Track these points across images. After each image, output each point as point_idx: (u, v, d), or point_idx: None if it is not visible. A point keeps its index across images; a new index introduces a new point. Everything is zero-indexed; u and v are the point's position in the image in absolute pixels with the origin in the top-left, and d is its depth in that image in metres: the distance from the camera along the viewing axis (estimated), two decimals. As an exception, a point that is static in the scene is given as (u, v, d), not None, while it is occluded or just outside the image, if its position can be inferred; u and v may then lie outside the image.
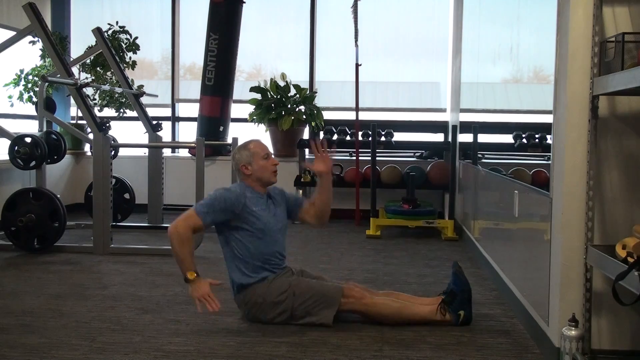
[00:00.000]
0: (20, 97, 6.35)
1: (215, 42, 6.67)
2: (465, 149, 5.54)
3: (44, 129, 4.97)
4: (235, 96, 6.97)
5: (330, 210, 3.21)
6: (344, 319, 3.00)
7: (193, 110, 7.24)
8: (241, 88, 7.17)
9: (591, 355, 2.40)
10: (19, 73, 6.36)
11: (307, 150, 6.87)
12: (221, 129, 6.81)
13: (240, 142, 3.25)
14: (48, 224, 4.60)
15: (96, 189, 4.70)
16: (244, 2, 6.80)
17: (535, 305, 2.85)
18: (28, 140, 4.70)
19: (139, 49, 6.67)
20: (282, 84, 6.69)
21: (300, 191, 6.30)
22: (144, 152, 6.34)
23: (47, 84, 5.35)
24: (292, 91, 6.69)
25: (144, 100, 6.03)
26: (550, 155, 2.65)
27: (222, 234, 3.07)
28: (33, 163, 4.71)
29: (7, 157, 4.72)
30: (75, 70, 6.24)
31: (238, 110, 7.08)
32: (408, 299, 3.11)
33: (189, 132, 7.36)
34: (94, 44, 6.03)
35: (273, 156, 3.20)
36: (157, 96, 6.46)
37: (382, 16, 7.23)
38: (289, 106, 6.59)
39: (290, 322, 2.98)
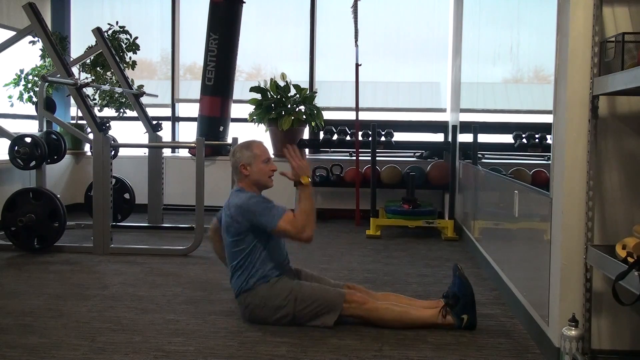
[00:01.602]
0: (20, 97, 6.35)
1: (215, 42, 6.67)
2: (465, 149, 5.54)
3: (44, 129, 4.97)
4: (235, 96, 6.97)
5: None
6: (344, 320, 3.00)
7: (193, 110, 7.24)
8: (241, 88, 7.17)
9: (591, 355, 2.40)
10: (19, 73, 6.36)
11: (307, 151, 6.88)
12: (221, 129, 6.81)
13: (240, 142, 3.24)
14: (48, 224, 4.60)
15: (96, 189, 4.70)
16: (244, 2, 6.80)
17: (535, 305, 2.85)
18: (28, 140, 4.70)
19: (139, 49, 6.67)
20: (282, 84, 6.69)
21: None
22: (144, 152, 6.34)
23: (47, 84, 5.35)
24: (292, 91, 6.69)
25: (144, 100, 6.03)
26: (550, 155, 2.65)
27: (239, 238, 3.01)
28: (33, 163, 4.71)
29: (7, 157, 4.72)
30: (75, 70, 6.24)
31: (238, 110, 7.08)
32: (408, 302, 3.11)
33: (189, 132, 7.36)
34: (94, 44, 6.03)
35: (273, 159, 3.20)
36: (157, 96, 6.46)
37: (382, 16, 7.23)
38: (289, 106, 6.59)
39: (290, 324, 2.98)
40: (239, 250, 3.03)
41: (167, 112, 7.40)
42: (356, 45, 6.24)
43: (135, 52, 6.66)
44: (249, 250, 3.01)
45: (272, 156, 3.34)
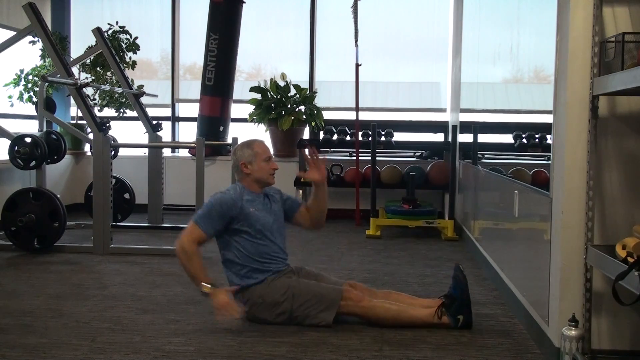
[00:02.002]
0: (20, 97, 6.35)
1: (215, 42, 6.67)
2: (465, 149, 5.55)
3: (44, 129, 4.97)
4: (235, 96, 6.97)
5: (325, 217, 3.23)
6: (344, 320, 3.00)
7: (193, 110, 7.24)
8: (241, 88, 7.17)
9: (591, 355, 2.40)
10: (19, 73, 6.36)
11: (307, 151, 6.88)
12: (221, 129, 6.81)
13: (240, 142, 3.25)
14: (48, 224, 4.60)
15: (96, 189, 4.70)
16: (244, 2, 6.80)
17: (535, 305, 2.85)
18: (28, 140, 4.70)
19: (139, 49, 6.67)
20: (282, 84, 6.69)
21: (300, 191, 6.30)
22: (144, 152, 6.34)
23: (47, 84, 5.35)
24: (292, 91, 6.69)
25: (144, 100, 6.03)
26: (550, 155, 2.65)
27: (222, 237, 3.06)
28: (33, 163, 4.71)
29: (7, 157, 4.72)
30: (75, 70, 6.24)
31: (238, 110, 7.08)
32: (408, 300, 3.11)
33: (189, 132, 7.36)
34: (94, 44, 6.03)
35: (273, 158, 3.21)
36: (157, 96, 6.46)
37: (382, 16, 7.23)
38: (289, 106, 6.59)
39: (289, 322, 2.98)
40: (223, 249, 3.07)
41: (167, 112, 7.40)
42: (356, 45, 6.24)
43: (135, 52, 6.66)
44: (231, 248, 3.03)
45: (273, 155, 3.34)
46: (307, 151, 3.19)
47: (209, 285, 2.86)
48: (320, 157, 3.15)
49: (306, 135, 6.88)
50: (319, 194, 3.17)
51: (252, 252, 3.02)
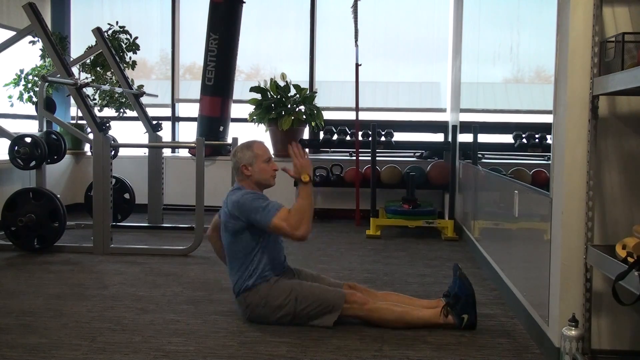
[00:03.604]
0: (20, 97, 6.35)
1: (215, 42, 6.67)
2: (465, 149, 5.55)
3: (44, 129, 4.97)
4: (235, 96, 6.97)
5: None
6: (344, 320, 3.00)
7: (193, 110, 7.24)
8: (241, 88, 7.17)
9: (591, 355, 2.40)
10: (19, 73, 6.36)
11: (307, 151, 6.88)
12: (221, 129, 6.81)
13: (240, 142, 3.24)
14: (48, 224, 4.60)
15: (96, 189, 4.70)
16: (244, 2, 6.80)
17: (535, 305, 2.85)
18: (28, 140, 4.70)
19: (139, 49, 6.67)
20: (282, 84, 6.69)
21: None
22: (144, 152, 6.34)
23: (47, 84, 5.35)
24: (292, 91, 6.69)
25: (144, 100, 6.03)
26: (550, 155, 2.65)
27: (236, 235, 3.02)
28: (33, 163, 4.71)
29: (7, 157, 4.72)
30: (75, 70, 6.24)
31: (238, 110, 7.08)
32: (408, 301, 3.11)
33: (189, 132, 7.36)
34: (94, 44, 6.03)
35: (273, 158, 3.20)
36: (157, 96, 6.46)
37: (382, 16, 7.23)
38: (289, 106, 6.60)
39: (291, 324, 2.98)
40: (237, 248, 3.03)
41: (167, 112, 7.40)
42: (356, 45, 6.24)
43: (135, 52, 6.66)
44: (246, 249, 3.01)
45: (272, 156, 3.33)
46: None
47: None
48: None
49: (306, 135, 6.88)
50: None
51: (267, 252, 3.02)
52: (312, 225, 2.98)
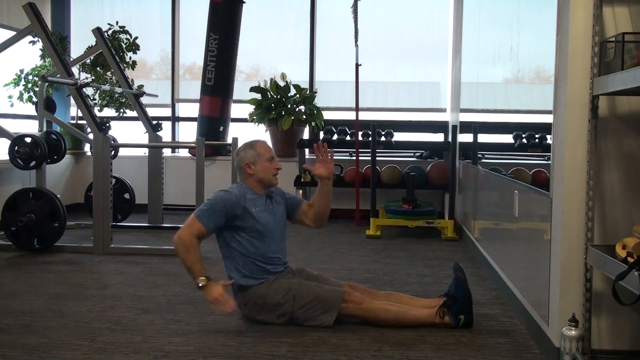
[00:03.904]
0: (20, 97, 6.35)
1: (215, 42, 6.67)
2: (465, 149, 5.54)
3: (44, 129, 4.97)
4: (235, 96, 6.97)
5: (328, 214, 3.22)
6: (344, 320, 3.00)
7: (193, 110, 7.24)
8: (241, 88, 7.17)
9: (591, 355, 2.40)
10: (19, 73, 6.36)
11: (307, 150, 6.88)
12: (221, 129, 6.81)
13: (240, 142, 3.25)
14: (48, 224, 4.60)
15: (96, 189, 4.70)
16: (244, 2, 6.80)
17: (535, 305, 2.85)
18: (28, 140, 4.70)
19: (139, 49, 6.67)
20: (282, 84, 6.69)
21: (300, 191, 6.30)
22: (144, 152, 6.34)
23: (47, 84, 5.35)
24: (292, 91, 6.69)
25: (144, 100, 6.03)
26: (550, 155, 2.65)
27: (222, 235, 3.06)
28: (33, 163, 4.71)
29: (7, 157, 4.71)
30: (75, 70, 6.23)
31: (238, 110, 7.08)
32: (409, 301, 3.11)
33: (189, 132, 7.36)
34: (94, 44, 6.03)
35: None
36: (157, 96, 6.46)
37: (382, 16, 7.23)
38: (289, 106, 6.59)
39: (289, 323, 2.98)
40: (225, 248, 3.07)
41: (167, 112, 7.40)
42: (356, 45, 6.24)
43: (135, 52, 6.66)
44: (232, 248, 3.03)
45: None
46: (315, 148, 3.17)
47: (204, 278, 2.85)
48: (328, 153, 3.15)
49: (306, 135, 6.88)
50: (324, 189, 3.17)
51: (252, 252, 3.02)
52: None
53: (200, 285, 2.86)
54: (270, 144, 6.64)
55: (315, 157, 3.18)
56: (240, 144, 3.26)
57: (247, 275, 3.02)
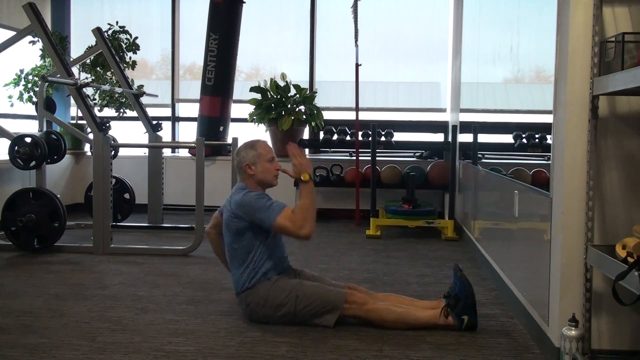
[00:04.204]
0: (20, 97, 6.35)
1: (215, 42, 6.67)
2: (465, 149, 5.54)
3: (44, 129, 4.97)
4: (235, 96, 6.97)
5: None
6: (345, 320, 3.00)
7: (193, 110, 7.24)
8: (241, 88, 7.17)
9: (591, 355, 2.40)
10: (19, 73, 6.36)
11: (307, 151, 6.88)
12: (221, 129, 6.81)
13: (240, 142, 3.24)
14: (48, 224, 4.60)
15: (96, 189, 4.70)
16: (244, 2, 6.80)
17: (535, 305, 2.85)
18: (28, 140, 4.70)
19: (139, 49, 6.67)
20: (282, 84, 6.69)
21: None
22: (144, 152, 6.34)
23: (47, 84, 5.35)
24: (292, 91, 6.69)
25: (144, 100, 6.03)
26: (550, 155, 2.65)
27: (239, 234, 3.02)
28: (33, 163, 4.71)
29: (7, 157, 4.71)
30: (75, 70, 6.24)
31: (238, 110, 7.09)
32: (409, 302, 3.10)
33: (189, 132, 7.36)
34: (94, 44, 6.03)
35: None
36: (157, 96, 6.46)
37: (382, 16, 7.23)
38: (289, 106, 6.60)
39: (291, 323, 2.98)
40: (238, 247, 3.04)
41: (167, 112, 7.41)
42: (356, 45, 6.24)
43: (135, 52, 6.66)
44: (248, 248, 3.01)
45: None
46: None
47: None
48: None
49: (306, 135, 6.89)
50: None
51: (269, 253, 3.03)
52: (315, 224, 2.97)
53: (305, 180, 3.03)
54: (270, 144, 6.67)
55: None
56: (240, 144, 3.26)
57: (257, 275, 3.01)
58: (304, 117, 6.55)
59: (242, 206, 2.99)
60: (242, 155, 3.11)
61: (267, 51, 7.43)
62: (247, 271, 3.02)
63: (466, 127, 5.37)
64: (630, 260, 1.92)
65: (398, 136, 6.63)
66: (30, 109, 6.32)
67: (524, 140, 4.10)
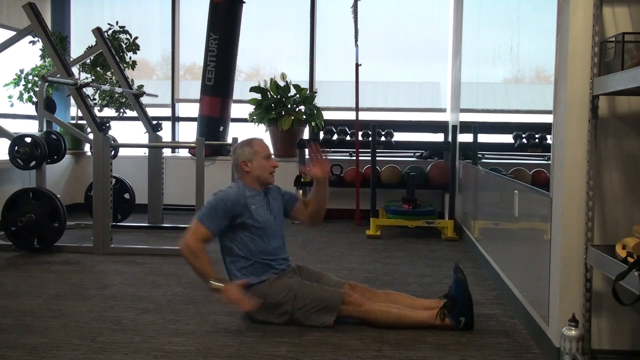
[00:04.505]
0: (20, 97, 6.35)
1: (215, 42, 6.67)
2: (465, 149, 5.55)
3: (44, 129, 4.97)
4: (235, 96, 6.97)
5: (323, 214, 3.23)
6: (344, 320, 3.00)
7: (193, 110, 7.24)
8: (241, 88, 7.17)
9: (591, 355, 2.40)
10: (19, 73, 6.36)
11: (307, 150, 6.88)
12: (221, 129, 6.81)
13: (240, 141, 3.24)
14: (48, 224, 4.60)
15: (96, 189, 4.70)
16: (244, 2, 6.80)
17: (535, 305, 2.85)
18: (28, 140, 4.70)
19: (139, 49, 6.67)
20: (282, 84, 6.69)
21: (300, 191, 6.30)
22: (144, 152, 6.34)
23: (47, 84, 5.35)
24: (292, 91, 6.69)
25: (144, 100, 6.03)
26: (550, 155, 2.65)
27: (223, 236, 3.06)
28: (33, 163, 4.71)
29: (7, 157, 4.71)
30: (75, 70, 6.23)
31: (238, 110, 7.09)
32: (409, 301, 3.10)
33: (189, 132, 7.36)
34: (94, 44, 6.03)
35: (273, 157, 3.20)
36: (157, 96, 6.46)
37: (382, 16, 7.23)
38: (289, 106, 6.60)
39: (289, 323, 2.98)
40: (222, 243, 3.08)
41: (167, 112, 7.41)
42: (356, 45, 6.24)
43: (135, 52, 6.66)
44: (230, 243, 3.04)
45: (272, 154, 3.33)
46: (308, 149, 3.18)
47: (217, 281, 2.86)
48: (322, 154, 3.15)
49: (306, 135, 6.88)
50: (320, 190, 3.17)
51: (254, 249, 3.02)
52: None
53: (214, 288, 2.86)
54: (270, 143, 6.68)
55: (309, 157, 3.18)
56: (242, 140, 3.26)
57: (249, 273, 3.02)
58: (304, 117, 6.55)
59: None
60: (238, 153, 3.12)
61: (267, 51, 7.43)
62: (243, 272, 3.02)
63: (466, 127, 5.37)
64: (630, 260, 1.92)
65: (398, 136, 6.63)
66: (30, 109, 6.32)
67: (524, 140, 4.10)
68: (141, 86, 6.34)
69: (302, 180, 6.33)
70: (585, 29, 2.34)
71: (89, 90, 6.33)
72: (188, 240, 2.91)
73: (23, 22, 5.26)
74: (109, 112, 6.78)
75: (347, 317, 2.99)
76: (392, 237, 5.56)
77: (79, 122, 6.62)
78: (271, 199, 3.16)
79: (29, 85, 6.36)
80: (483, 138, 4.94)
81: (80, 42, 7.04)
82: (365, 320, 2.98)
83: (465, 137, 5.50)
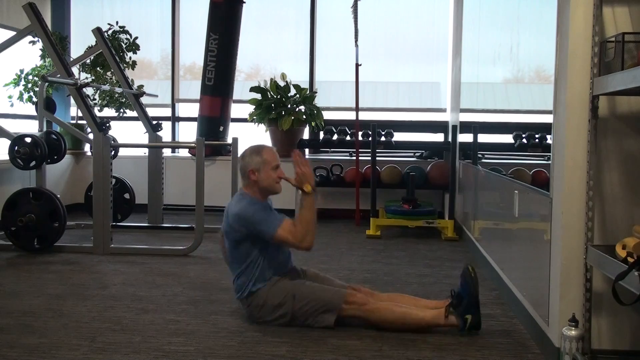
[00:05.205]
0: (20, 97, 6.35)
1: (215, 42, 6.67)
2: (465, 149, 5.55)
3: (44, 129, 4.97)
4: (235, 96, 6.97)
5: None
6: (346, 321, 2.99)
7: (193, 110, 7.24)
8: (241, 88, 7.17)
9: (591, 355, 2.40)
10: (19, 73, 6.36)
11: (307, 151, 6.88)
12: (221, 129, 6.81)
13: (240, 142, 3.24)
14: (48, 224, 4.60)
15: (96, 189, 4.70)
16: (244, 2, 6.80)
17: (535, 305, 2.85)
18: (28, 140, 4.70)
19: (139, 49, 6.67)
20: (282, 84, 6.69)
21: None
22: (144, 152, 6.34)
23: (47, 84, 5.35)
24: (292, 91, 6.69)
25: (144, 100, 6.03)
26: (550, 155, 2.65)
27: (237, 243, 3.01)
28: (33, 163, 4.71)
29: (7, 157, 4.71)
30: (75, 70, 6.23)
31: (238, 110, 7.08)
32: (413, 302, 3.07)
33: (189, 132, 7.36)
34: (94, 44, 6.03)
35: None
36: (157, 96, 6.46)
37: (382, 16, 7.23)
38: (289, 106, 6.59)
39: (290, 324, 2.98)
40: (239, 256, 3.03)
41: (167, 112, 7.41)
42: (356, 45, 6.24)
43: (135, 52, 6.66)
44: (248, 256, 3.01)
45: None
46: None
47: (308, 188, 3.04)
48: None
49: (306, 135, 6.88)
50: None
51: (270, 259, 3.01)
52: (315, 235, 2.99)
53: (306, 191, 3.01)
54: (270, 144, 6.68)
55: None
56: (240, 144, 3.26)
57: (260, 281, 3.01)
58: (304, 117, 6.55)
59: (240, 219, 2.97)
60: (247, 161, 3.08)
61: (267, 51, 7.43)
62: (247, 278, 3.00)
63: (466, 127, 5.37)
64: (630, 260, 1.92)
65: (398, 136, 6.63)
66: (30, 109, 6.32)
67: (524, 140, 4.10)
68: (141, 86, 6.34)
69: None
70: (585, 29, 2.34)
71: (89, 90, 6.33)
72: (298, 240, 2.94)
73: (23, 22, 5.26)
74: (109, 112, 6.78)
75: (350, 318, 2.97)
76: (392, 237, 5.56)
77: (79, 122, 6.62)
78: (272, 207, 3.15)
79: (29, 85, 6.36)
80: (483, 138, 4.94)
81: (80, 42, 7.05)
82: (369, 320, 2.95)
83: (465, 137, 5.50)
